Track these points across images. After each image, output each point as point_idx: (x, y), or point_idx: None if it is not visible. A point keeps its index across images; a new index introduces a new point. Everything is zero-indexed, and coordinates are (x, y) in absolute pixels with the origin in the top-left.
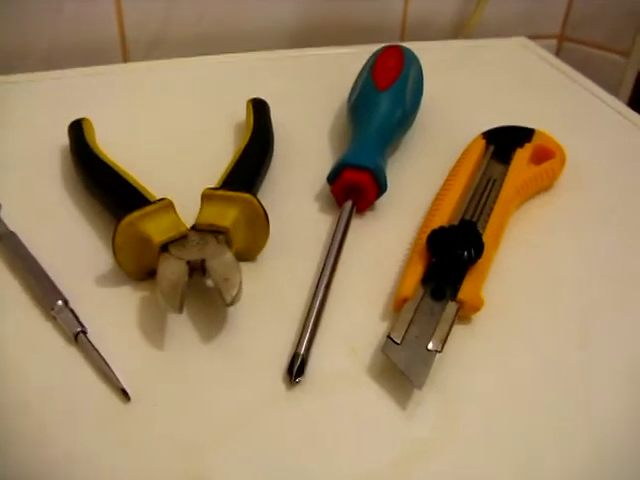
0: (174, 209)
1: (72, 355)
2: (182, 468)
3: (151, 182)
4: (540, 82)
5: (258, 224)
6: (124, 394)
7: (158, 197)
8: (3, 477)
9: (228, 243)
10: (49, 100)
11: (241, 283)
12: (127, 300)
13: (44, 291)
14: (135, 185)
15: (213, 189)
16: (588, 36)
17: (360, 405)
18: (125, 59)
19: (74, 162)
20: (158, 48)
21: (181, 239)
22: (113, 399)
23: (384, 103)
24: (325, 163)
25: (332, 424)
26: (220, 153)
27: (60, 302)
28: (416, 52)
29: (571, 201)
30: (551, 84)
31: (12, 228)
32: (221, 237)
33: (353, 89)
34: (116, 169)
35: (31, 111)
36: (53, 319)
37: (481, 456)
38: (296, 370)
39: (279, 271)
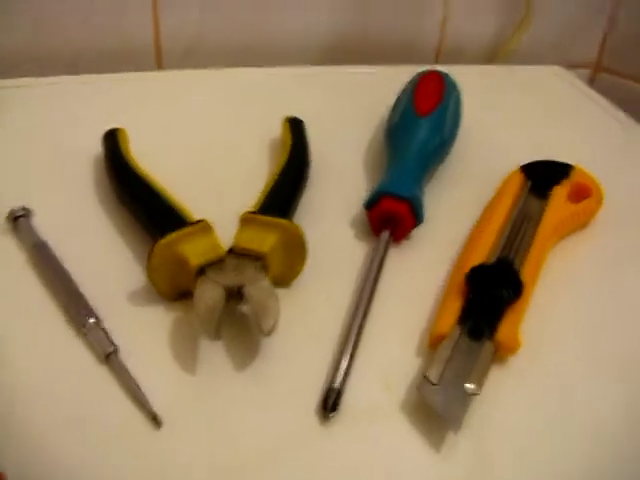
0: (212, 231)
1: (102, 374)
2: None
3: (185, 196)
4: (574, 113)
5: (296, 251)
6: (155, 420)
7: (193, 215)
8: None
9: (265, 269)
10: (82, 105)
11: (279, 313)
12: (160, 320)
13: (76, 307)
14: (172, 203)
15: (252, 213)
16: (623, 67)
17: (393, 444)
18: (159, 66)
19: (108, 175)
20: (192, 57)
21: (218, 262)
22: (143, 423)
23: (424, 129)
24: (360, 185)
25: (363, 461)
26: (254, 170)
27: (92, 320)
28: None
29: (608, 239)
30: (585, 116)
31: (44, 237)
32: (258, 263)
33: (392, 113)
34: (152, 185)
35: (63, 116)
36: (84, 336)
37: None
38: (331, 405)
39: (314, 298)
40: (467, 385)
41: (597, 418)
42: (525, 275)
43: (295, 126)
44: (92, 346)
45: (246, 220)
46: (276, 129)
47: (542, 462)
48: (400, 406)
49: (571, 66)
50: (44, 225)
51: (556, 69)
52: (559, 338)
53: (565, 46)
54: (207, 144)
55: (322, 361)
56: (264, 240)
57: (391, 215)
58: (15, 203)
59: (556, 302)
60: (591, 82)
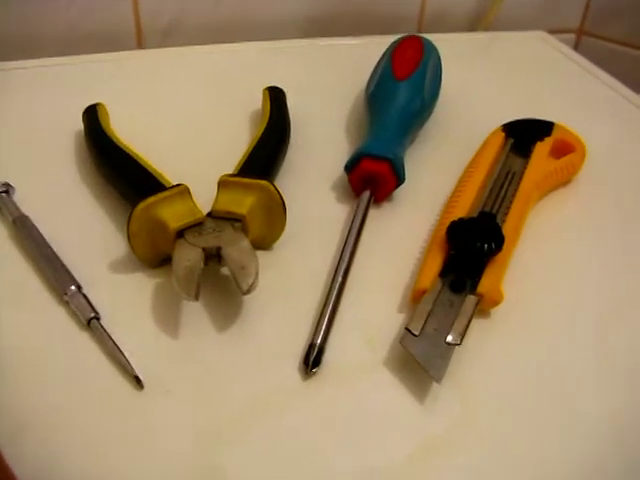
0: (190, 195)
1: (85, 341)
2: (195, 456)
3: (166, 169)
4: (559, 76)
5: (275, 212)
6: (137, 381)
7: (174, 183)
8: (16, 461)
9: (244, 231)
10: (64, 85)
11: (257, 271)
12: (141, 286)
13: (57, 276)
14: (150, 171)
15: (230, 176)
16: (608, 31)
17: (377, 397)
18: (140, 46)
19: (88, 147)
20: (173, 35)
21: (197, 226)
22: (126, 386)
23: (403, 92)
24: (342, 152)
25: (348, 416)
26: (236, 141)
27: (73, 287)
28: (434, 43)
29: (590, 195)
30: (570, 78)
31: (26, 212)
32: (237, 225)
33: (371, 78)
34: (131, 154)
35: (46, 96)
36: (66, 304)
37: (498, 451)
38: (312, 360)
39: (295, 260)
40: (448, 336)
41: (578, 367)
42: (507, 229)
43: (275, 94)
44: (74, 313)
45: (224, 183)
46: (258, 101)
47: (525, 411)
48: (383, 361)
49: (555, 32)
50: (26, 200)
51: (540, 34)
52: (541, 291)
53: (549, 12)
54: (189, 118)
55: (304, 321)
56: (242, 201)
57: (371, 175)
58: None
59: (539, 256)
60: (576, 47)
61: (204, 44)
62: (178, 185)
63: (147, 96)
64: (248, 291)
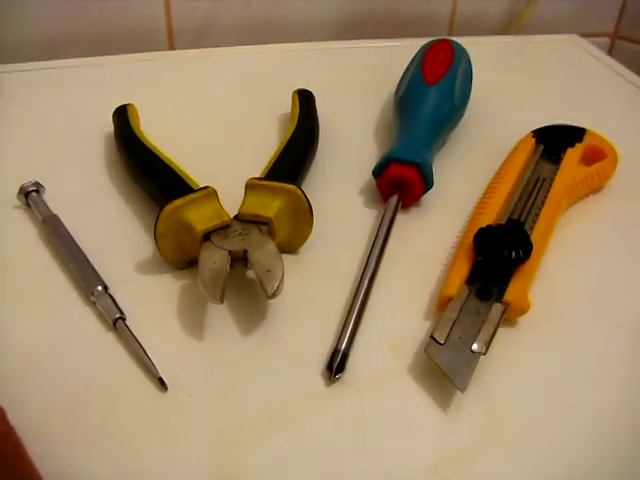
0: (217, 198)
1: (110, 341)
2: (217, 461)
3: (194, 171)
4: (592, 80)
5: (302, 216)
6: (161, 383)
7: (201, 185)
8: (39, 460)
9: (271, 234)
10: (94, 86)
11: (283, 275)
12: (167, 288)
13: (84, 276)
14: (179, 173)
15: (257, 179)
16: None
17: (400, 405)
18: (171, 47)
19: (118, 148)
20: (204, 37)
21: (224, 228)
22: (150, 387)
23: (432, 97)
24: (370, 156)
25: (370, 423)
26: (264, 143)
27: (100, 287)
28: (465, 47)
29: (622, 203)
30: (603, 83)
31: (55, 212)
32: (264, 228)
33: (401, 82)
34: (160, 156)
35: (76, 96)
36: (92, 304)
37: (523, 463)
38: (336, 366)
39: (321, 264)
40: (473, 344)
41: (606, 377)
42: (535, 237)
43: (304, 97)
44: (100, 314)
45: (252, 186)
46: (287, 104)
47: (551, 422)
48: (407, 369)
49: (589, 35)
50: (55, 200)
51: (573, 37)
52: (569, 300)
53: (582, 16)
54: (218, 120)
55: (329, 326)
56: (269, 205)
57: (400, 180)
58: (27, 179)
59: (568, 264)
60: (609, 51)
61: (235, 46)
62: (206, 187)
63: (177, 97)
64: (273, 295)
